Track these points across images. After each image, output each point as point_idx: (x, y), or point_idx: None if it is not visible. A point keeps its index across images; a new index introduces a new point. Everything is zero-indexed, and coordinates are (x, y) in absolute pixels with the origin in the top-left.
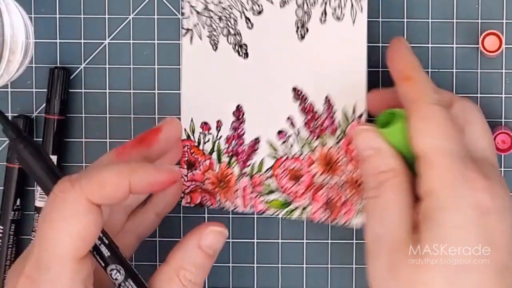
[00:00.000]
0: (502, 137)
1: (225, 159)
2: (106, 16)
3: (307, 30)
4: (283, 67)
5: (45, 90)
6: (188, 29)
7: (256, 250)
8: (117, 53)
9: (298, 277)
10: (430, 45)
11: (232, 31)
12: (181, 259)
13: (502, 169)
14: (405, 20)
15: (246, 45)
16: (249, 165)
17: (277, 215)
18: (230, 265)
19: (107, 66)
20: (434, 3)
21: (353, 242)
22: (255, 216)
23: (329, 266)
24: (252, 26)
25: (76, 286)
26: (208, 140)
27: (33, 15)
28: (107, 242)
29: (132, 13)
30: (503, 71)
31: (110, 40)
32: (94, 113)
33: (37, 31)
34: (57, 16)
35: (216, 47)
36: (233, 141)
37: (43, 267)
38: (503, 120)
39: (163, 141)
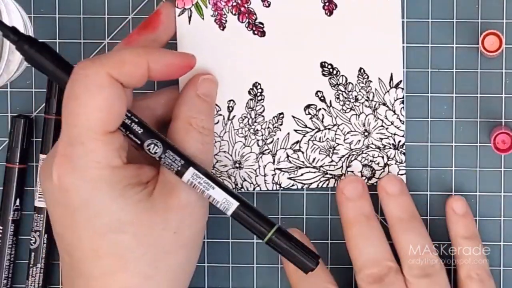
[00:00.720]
0: (502, 137)
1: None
2: (106, 16)
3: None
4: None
5: (45, 90)
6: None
7: (256, 250)
8: None
9: None
10: (430, 45)
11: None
12: (188, 110)
13: (502, 169)
14: (405, 20)
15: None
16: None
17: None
18: (230, 265)
19: None
20: (434, 3)
21: None
22: None
23: (328, 266)
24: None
25: (111, 155)
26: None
27: (32, 15)
28: (137, 120)
29: (132, 13)
30: (503, 71)
31: (110, 40)
32: None
33: (36, 31)
34: (57, 16)
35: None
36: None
37: (76, 142)
38: (503, 120)
39: (165, 22)
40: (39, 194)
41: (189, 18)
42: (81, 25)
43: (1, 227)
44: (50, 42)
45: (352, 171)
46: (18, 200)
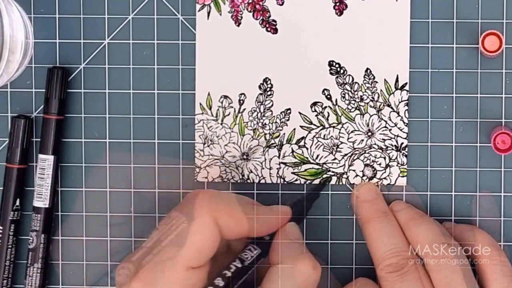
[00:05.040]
0: (502, 137)
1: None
2: (106, 16)
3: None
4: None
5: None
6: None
7: None
8: (116, 53)
9: None
10: (430, 45)
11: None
12: (297, 253)
13: (502, 169)
14: None
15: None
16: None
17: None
18: None
19: (106, 66)
20: (434, 3)
21: (353, 242)
22: (255, 216)
23: (329, 266)
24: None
25: None
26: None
27: (32, 15)
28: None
29: (132, 13)
30: (503, 71)
31: (110, 40)
32: (94, 113)
33: (36, 31)
34: (57, 16)
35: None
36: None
37: (158, 269)
38: (503, 120)
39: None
40: (37, 194)
41: (208, 13)
42: (81, 25)
43: (1, 227)
44: (50, 42)
45: (354, 170)
46: (18, 200)
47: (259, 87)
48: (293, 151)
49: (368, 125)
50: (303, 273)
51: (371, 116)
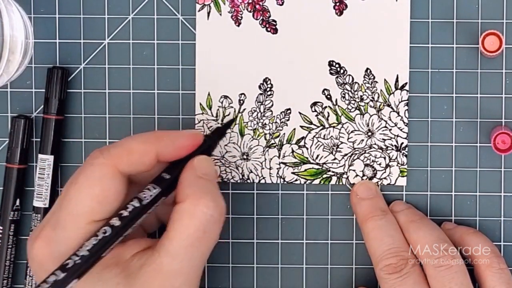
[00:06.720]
0: (502, 137)
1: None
2: (106, 16)
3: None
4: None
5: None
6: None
7: (256, 250)
8: (116, 53)
9: (298, 277)
10: (430, 45)
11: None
12: (198, 191)
13: (502, 169)
14: None
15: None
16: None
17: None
18: (230, 265)
19: (106, 66)
20: (434, 3)
21: (353, 242)
22: (255, 216)
23: (329, 266)
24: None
25: None
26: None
27: (32, 15)
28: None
29: (132, 13)
30: (503, 71)
31: (110, 40)
32: (94, 113)
33: (36, 31)
34: (57, 16)
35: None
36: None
37: (60, 226)
38: (503, 120)
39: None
40: (37, 194)
41: (208, 14)
42: (81, 25)
43: (1, 227)
44: (50, 42)
45: (354, 170)
46: (18, 200)
47: (259, 87)
48: (293, 151)
49: (368, 125)
50: (203, 212)
51: (371, 116)
